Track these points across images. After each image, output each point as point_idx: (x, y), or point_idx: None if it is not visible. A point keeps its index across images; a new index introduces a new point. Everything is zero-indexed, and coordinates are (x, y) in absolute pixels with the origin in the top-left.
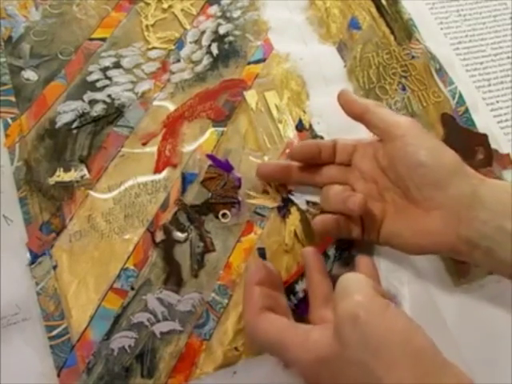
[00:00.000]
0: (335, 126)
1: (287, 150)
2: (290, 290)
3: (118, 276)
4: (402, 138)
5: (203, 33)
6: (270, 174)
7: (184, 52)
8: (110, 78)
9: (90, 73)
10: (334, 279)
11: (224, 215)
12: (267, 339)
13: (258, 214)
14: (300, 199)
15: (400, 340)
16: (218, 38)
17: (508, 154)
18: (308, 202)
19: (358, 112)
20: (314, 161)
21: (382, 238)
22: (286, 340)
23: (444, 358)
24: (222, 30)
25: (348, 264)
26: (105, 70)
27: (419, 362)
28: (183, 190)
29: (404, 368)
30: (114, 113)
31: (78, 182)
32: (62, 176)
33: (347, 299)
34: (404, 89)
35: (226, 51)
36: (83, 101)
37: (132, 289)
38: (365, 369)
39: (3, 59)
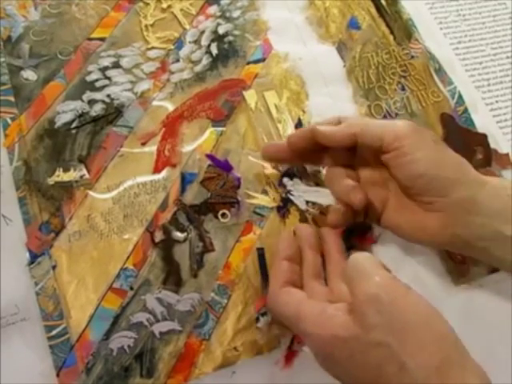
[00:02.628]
0: None
1: None
2: None
3: (118, 276)
4: (399, 150)
5: (202, 33)
6: (274, 153)
7: (183, 52)
8: (109, 78)
9: (90, 73)
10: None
11: (223, 215)
12: (285, 311)
13: (258, 213)
14: (299, 199)
15: (424, 323)
16: (218, 38)
17: (507, 154)
18: (307, 202)
19: (348, 141)
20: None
21: (382, 224)
22: (303, 313)
23: (463, 344)
24: (221, 30)
25: None
26: (104, 69)
27: (443, 347)
28: (182, 189)
29: (429, 352)
30: (114, 113)
31: (77, 181)
32: (61, 176)
33: (366, 281)
34: (403, 89)
35: (225, 51)
36: (82, 101)
37: (131, 289)
38: (387, 352)
39: (2, 59)
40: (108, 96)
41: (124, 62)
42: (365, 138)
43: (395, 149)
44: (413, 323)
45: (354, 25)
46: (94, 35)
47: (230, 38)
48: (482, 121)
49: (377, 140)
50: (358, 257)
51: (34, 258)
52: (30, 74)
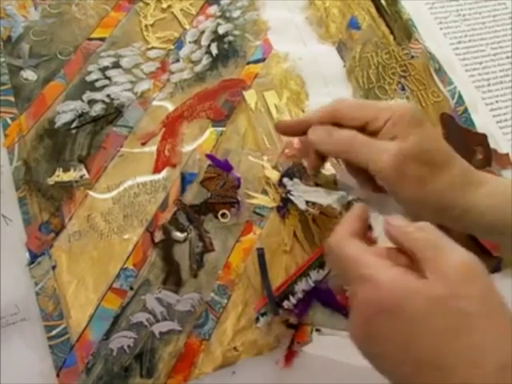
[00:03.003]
0: None
1: (286, 150)
2: (289, 290)
3: (117, 276)
4: (383, 179)
5: (202, 33)
6: (289, 127)
7: (183, 52)
8: (109, 78)
9: (89, 73)
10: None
11: (223, 215)
12: (350, 252)
13: (258, 213)
14: (299, 199)
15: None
16: (218, 38)
17: (507, 154)
18: (307, 202)
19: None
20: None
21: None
22: (371, 259)
23: None
24: (221, 30)
25: None
26: (104, 69)
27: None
28: (182, 189)
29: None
30: (114, 113)
31: (77, 181)
32: (61, 176)
33: (453, 254)
34: (403, 89)
35: (225, 51)
36: (82, 101)
37: (131, 289)
38: (471, 323)
39: (2, 59)
40: (108, 96)
41: (124, 62)
42: (357, 158)
43: (381, 177)
44: (500, 306)
45: (353, 25)
46: (93, 35)
47: (230, 37)
48: (482, 121)
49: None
50: (430, 227)
51: (33, 258)
52: (29, 74)
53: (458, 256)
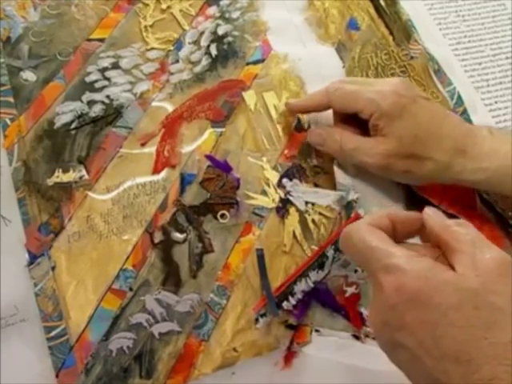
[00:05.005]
0: None
1: (286, 151)
2: (288, 291)
3: (117, 277)
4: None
5: (202, 33)
6: (295, 107)
7: (183, 53)
8: (108, 79)
9: (89, 73)
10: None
11: (223, 216)
12: (371, 240)
13: (257, 214)
14: (299, 200)
15: None
16: (217, 39)
17: None
18: (307, 203)
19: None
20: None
21: None
22: (397, 249)
23: None
24: (220, 31)
25: (347, 265)
26: (103, 70)
27: None
28: (182, 190)
29: None
30: (113, 113)
31: (76, 182)
32: (60, 177)
33: (489, 252)
34: None
35: (224, 52)
36: (82, 101)
37: (130, 289)
38: (506, 320)
39: (2, 60)
40: (107, 97)
41: (123, 63)
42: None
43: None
44: None
45: (353, 25)
46: (93, 36)
47: (230, 38)
48: (481, 121)
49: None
50: (466, 224)
51: (33, 258)
52: (29, 75)
53: (493, 254)
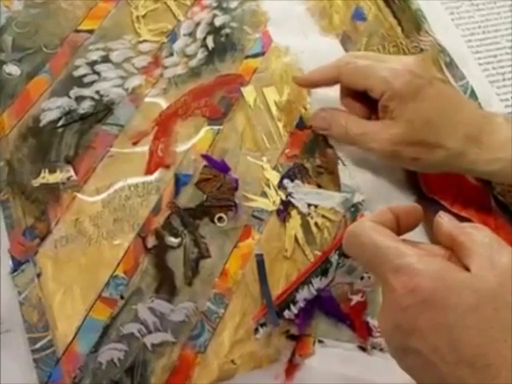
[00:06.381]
0: None
1: (287, 150)
2: (290, 299)
3: (107, 284)
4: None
5: (198, 25)
6: (303, 81)
7: (177, 45)
8: (98, 73)
9: (77, 67)
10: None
11: (220, 219)
12: (380, 241)
13: (256, 217)
14: (301, 202)
15: None
16: (214, 31)
17: None
18: (309, 205)
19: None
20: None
21: None
22: (408, 249)
23: None
24: (217, 22)
25: (352, 272)
26: (92, 64)
27: None
28: (176, 192)
29: None
30: (103, 110)
31: (64, 183)
32: (46, 178)
33: (507, 254)
34: None
35: (222, 44)
36: (69, 97)
37: (122, 298)
38: None
39: None
40: (97, 92)
41: (114, 56)
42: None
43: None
44: None
45: (358, 16)
46: (81, 27)
47: (227, 30)
48: None
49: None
50: (481, 228)
51: (17, 265)
52: (12, 69)
53: (510, 256)
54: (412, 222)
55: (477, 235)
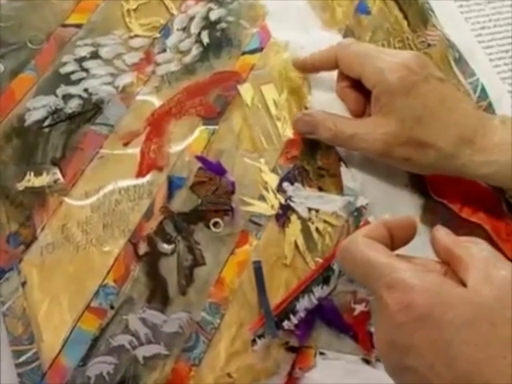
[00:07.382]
0: None
1: (286, 152)
2: (289, 308)
3: (96, 293)
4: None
5: (192, 19)
6: (301, 64)
7: (170, 41)
8: (86, 70)
9: (64, 64)
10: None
11: (215, 224)
12: (374, 255)
13: (254, 222)
14: (301, 206)
15: None
16: (209, 25)
17: None
18: (310, 210)
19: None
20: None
21: None
22: (397, 262)
23: None
24: (213, 16)
25: (353, 280)
26: (81, 60)
27: None
28: (170, 195)
29: None
30: (92, 109)
31: (50, 187)
32: (32, 181)
33: (504, 269)
34: None
35: (217, 40)
36: (56, 96)
37: (112, 308)
38: None
39: None
40: (85, 90)
41: (103, 52)
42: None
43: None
44: None
45: (362, 9)
46: (69, 21)
47: (223, 24)
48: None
49: None
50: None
51: (0, 273)
52: None
53: (509, 270)
54: (406, 235)
55: (474, 249)
